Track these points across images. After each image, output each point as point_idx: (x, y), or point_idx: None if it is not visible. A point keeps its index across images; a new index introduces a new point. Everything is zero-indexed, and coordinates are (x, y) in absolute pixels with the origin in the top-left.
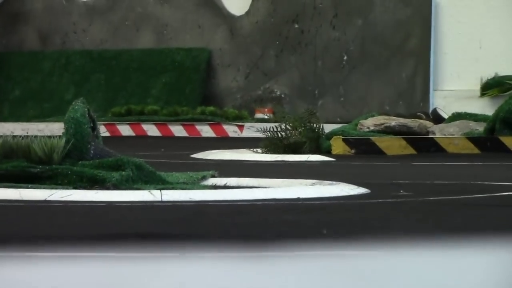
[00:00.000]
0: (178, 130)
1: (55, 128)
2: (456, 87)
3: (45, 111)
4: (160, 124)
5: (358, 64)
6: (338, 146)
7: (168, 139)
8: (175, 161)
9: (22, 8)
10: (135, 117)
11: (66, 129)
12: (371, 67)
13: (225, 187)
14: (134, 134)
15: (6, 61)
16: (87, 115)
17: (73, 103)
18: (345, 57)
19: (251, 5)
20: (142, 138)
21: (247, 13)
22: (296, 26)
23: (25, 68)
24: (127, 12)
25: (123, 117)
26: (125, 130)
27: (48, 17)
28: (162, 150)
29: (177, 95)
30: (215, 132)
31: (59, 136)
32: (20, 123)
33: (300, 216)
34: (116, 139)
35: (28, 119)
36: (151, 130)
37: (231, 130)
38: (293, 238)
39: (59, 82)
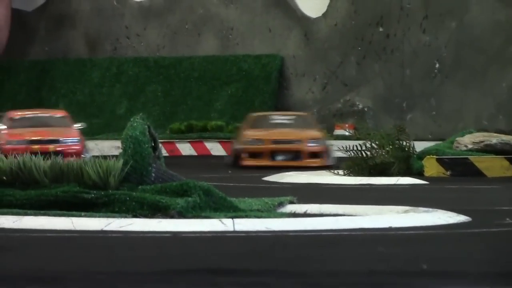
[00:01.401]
0: None
1: (106, 146)
2: None
3: (94, 127)
4: (225, 141)
5: (451, 72)
6: (432, 167)
7: None
8: (245, 184)
9: (67, 10)
10: (197, 134)
11: (124, 149)
12: (467, 76)
13: (305, 215)
14: (195, 154)
15: (49, 70)
16: (147, 133)
17: (132, 119)
18: (436, 65)
19: (329, 6)
20: (205, 157)
21: (324, 14)
22: (381, 29)
23: (71, 78)
24: (187, 14)
25: (183, 134)
26: (185, 148)
27: (97, 20)
28: (230, 172)
29: (244, 109)
30: None
31: (115, 157)
32: None
33: (394, 248)
34: (175, 159)
35: None
36: (216, 148)
37: None
38: (388, 274)
39: (110, 94)
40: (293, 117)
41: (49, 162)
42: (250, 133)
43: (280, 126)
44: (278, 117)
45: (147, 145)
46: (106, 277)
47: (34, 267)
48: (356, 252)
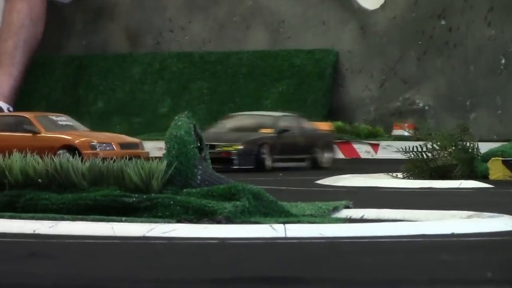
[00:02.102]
0: None
1: (148, 147)
2: None
3: (135, 126)
4: None
5: None
6: (497, 169)
7: None
8: (297, 188)
9: (106, 2)
10: None
11: (168, 149)
12: None
13: (362, 220)
14: None
15: (87, 66)
16: (193, 133)
17: (176, 117)
18: (503, 60)
19: None
20: None
21: (382, 6)
22: (443, 22)
23: (110, 74)
24: (235, 6)
25: None
26: None
27: (138, 12)
28: (280, 174)
29: (296, 107)
30: (343, 153)
31: (159, 159)
32: None
33: (457, 255)
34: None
35: None
36: None
37: (363, 150)
38: (451, 283)
39: (152, 91)
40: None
41: (87, 164)
42: None
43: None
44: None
45: (192, 146)
46: (149, 286)
47: (70, 276)
48: (417, 260)
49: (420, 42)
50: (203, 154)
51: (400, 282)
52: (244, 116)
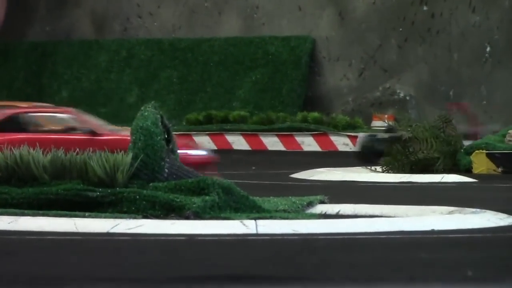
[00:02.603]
0: (272, 143)
1: None
2: None
3: (101, 117)
4: (249, 134)
5: (504, 57)
6: (481, 163)
7: (260, 154)
8: (271, 182)
9: None
10: (217, 125)
11: (134, 141)
12: None
13: (338, 216)
14: (215, 148)
15: (51, 54)
16: (160, 124)
17: (142, 108)
18: (488, 48)
19: None
20: (226, 152)
21: None
22: (425, 8)
23: (75, 62)
24: None
25: (201, 126)
26: (204, 142)
27: None
28: (253, 168)
29: (271, 97)
30: (320, 145)
31: (124, 151)
32: None
33: (437, 253)
34: None
35: None
36: (238, 142)
37: (341, 142)
38: (430, 282)
39: (119, 80)
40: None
41: (49, 156)
42: None
43: None
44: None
45: (159, 137)
46: (112, 285)
47: (30, 273)
48: (395, 258)
49: (401, 29)
50: (170, 146)
51: (376, 280)
52: None
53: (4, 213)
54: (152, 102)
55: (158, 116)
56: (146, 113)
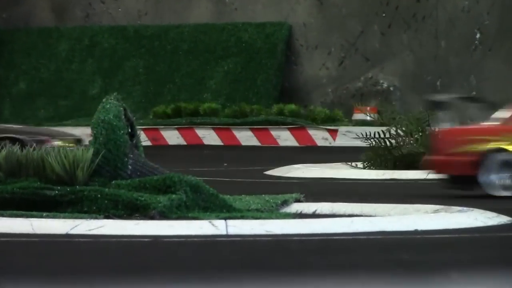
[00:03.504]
0: (246, 137)
1: (76, 134)
2: None
3: (61, 110)
4: (221, 128)
5: (495, 44)
6: None
7: (233, 149)
8: (243, 179)
9: None
10: (186, 119)
11: (95, 136)
12: None
13: (314, 215)
14: (185, 143)
15: (7, 42)
16: (123, 117)
17: (104, 100)
18: (477, 35)
19: None
20: (197, 148)
21: None
22: None
23: (34, 51)
24: None
25: (169, 119)
26: (172, 137)
27: None
28: (225, 164)
29: (244, 89)
30: (297, 140)
31: (84, 146)
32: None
33: (420, 255)
34: (159, 150)
35: (38, 121)
36: (209, 137)
37: (320, 136)
38: (411, 285)
39: (81, 70)
40: None
41: (3, 152)
42: None
43: None
44: None
45: (122, 132)
46: None
47: None
48: (374, 260)
49: (384, 15)
50: (134, 141)
51: (354, 284)
52: None
53: None
54: (115, 93)
55: (121, 108)
56: (108, 106)
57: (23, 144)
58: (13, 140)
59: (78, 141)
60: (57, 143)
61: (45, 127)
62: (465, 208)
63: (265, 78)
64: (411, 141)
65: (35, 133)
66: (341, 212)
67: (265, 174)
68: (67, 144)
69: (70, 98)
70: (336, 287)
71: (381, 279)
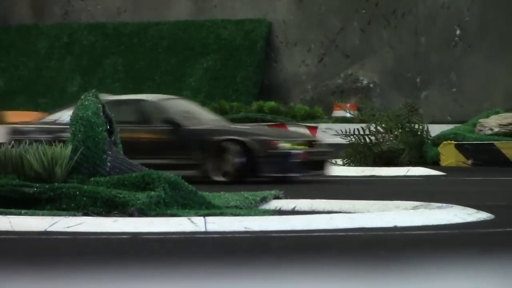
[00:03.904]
0: None
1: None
2: None
3: (41, 107)
4: None
5: (476, 41)
6: (450, 154)
7: None
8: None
9: None
10: None
11: (73, 133)
12: (495, 45)
13: (293, 212)
14: None
15: None
16: (102, 114)
17: (82, 97)
18: (458, 31)
19: None
20: None
21: None
22: None
23: (13, 49)
24: None
25: None
26: None
27: None
28: None
29: (224, 86)
30: None
31: (63, 143)
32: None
33: (399, 251)
34: None
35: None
36: None
37: None
38: (388, 281)
39: (60, 68)
40: None
41: None
42: None
43: None
44: None
45: (101, 129)
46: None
47: None
48: (354, 256)
49: (363, 11)
50: (113, 138)
51: (332, 280)
52: None
53: None
54: (93, 90)
55: (100, 105)
56: (86, 103)
57: (246, 147)
58: (236, 143)
59: (310, 143)
60: (286, 145)
61: (270, 128)
62: (444, 205)
63: (245, 75)
64: (391, 138)
65: (261, 134)
66: (320, 209)
67: None
68: (296, 146)
69: (50, 95)
70: (315, 284)
71: (360, 275)
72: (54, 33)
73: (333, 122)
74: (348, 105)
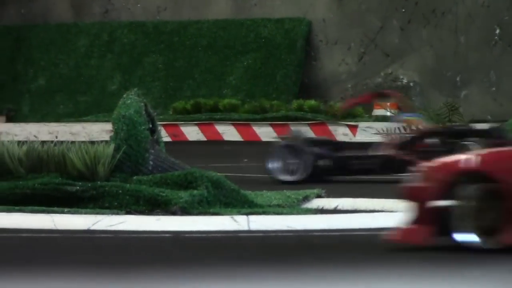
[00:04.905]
0: (266, 133)
1: (95, 130)
2: None
3: (81, 106)
4: (240, 124)
5: None
6: None
7: (253, 145)
8: (264, 175)
9: None
10: (205, 115)
11: (116, 131)
12: None
13: (335, 211)
14: (204, 139)
15: (26, 38)
16: (143, 113)
17: (125, 96)
18: (497, 30)
19: None
20: (216, 143)
21: None
22: None
23: (52, 47)
24: None
25: (189, 115)
26: (192, 133)
27: None
28: (245, 160)
29: (264, 84)
30: (317, 135)
31: (105, 142)
32: (46, 123)
33: (444, 252)
34: (179, 145)
35: (57, 117)
36: (229, 132)
37: (340, 132)
38: (435, 279)
39: (100, 66)
40: None
41: (25, 148)
42: None
43: None
44: None
45: (143, 127)
46: (91, 285)
47: (2, 275)
48: (395, 255)
49: (403, 10)
50: (155, 137)
51: (373, 280)
52: None
53: None
54: (135, 89)
55: (142, 104)
56: (128, 101)
57: None
58: None
59: None
60: None
61: None
62: None
63: (285, 74)
64: None
65: None
66: (362, 208)
67: None
68: None
69: (90, 94)
70: (358, 282)
71: (400, 274)
72: (94, 32)
73: (373, 121)
74: (388, 104)
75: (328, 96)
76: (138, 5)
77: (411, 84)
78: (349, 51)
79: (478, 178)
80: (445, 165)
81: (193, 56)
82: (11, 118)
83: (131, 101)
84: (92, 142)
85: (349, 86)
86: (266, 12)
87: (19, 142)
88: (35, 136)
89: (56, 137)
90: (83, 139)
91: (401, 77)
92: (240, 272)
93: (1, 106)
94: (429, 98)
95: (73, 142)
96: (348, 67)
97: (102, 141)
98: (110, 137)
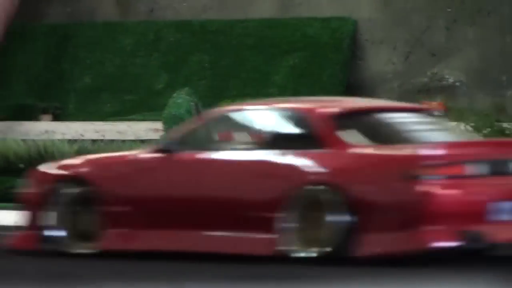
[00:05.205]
0: None
1: (142, 129)
2: None
3: (127, 104)
4: None
5: None
6: None
7: None
8: None
9: None
10: None
11: (166, 130)
12: None
13: None
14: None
15: (72, 37)
16: (194, 112)
17: (175, 94)
18: None
19: None
20: None
21: None
22: None
23: (98, 46)
24: None
25: None
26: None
27: None
28: None
29: (310, 83)
30: None
31: (154, 143)
32: (93, 122)
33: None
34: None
35: (103, 116)
36: None
37: None
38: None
39: (146, 65)
40: None
41: (75, 147)
42: None
43: None
44: None
45: None
46: None
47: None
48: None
49: (449, 9)
50: None
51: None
52: None
53: None
54: (186, 88)
55: (192, 103)
56: (179, 100)
57: None
58: None
59: None
60: None
61: None
62: None
63: (331, 73)
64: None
65: None
66: None
67: None
68: None
69: (136, 92)
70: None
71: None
72: (140, 30)
73: None
74: (434, 103)
75: (374, 95)
76: (184, 4)
77: (457, 84)
78: (395, 51)
79: (76, 184)
80: (48, 171)
81: (238, 55)
82: (57, 117)
83: (182, 100)
84: (141, 141)
85: (395, 85)
86: (312, 11)
87: (68, 140)
88: (81, 135)
89: (103, 136)
90: (131, 138)
91: (447, 76)
92: None
93: (47, 105)
94: (475, 97)
95: (123, 141)
96: (394, 66)
97: (150, 141)
98: (160, 136)
